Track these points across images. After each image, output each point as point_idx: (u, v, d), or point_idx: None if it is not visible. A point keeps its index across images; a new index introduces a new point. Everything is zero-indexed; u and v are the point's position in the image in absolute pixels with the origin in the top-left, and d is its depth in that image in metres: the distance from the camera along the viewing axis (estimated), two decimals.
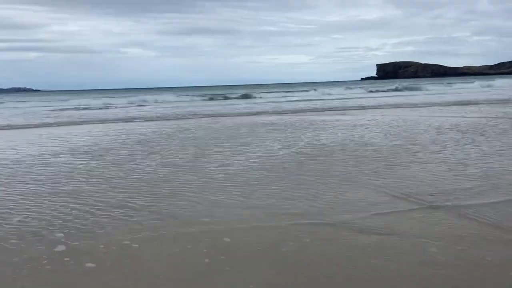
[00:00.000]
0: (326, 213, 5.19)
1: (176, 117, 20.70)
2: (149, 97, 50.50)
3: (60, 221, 4.99)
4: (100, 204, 5.64)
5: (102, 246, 4.24)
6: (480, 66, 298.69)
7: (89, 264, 3.80)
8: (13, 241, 4.43)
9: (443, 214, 5.05)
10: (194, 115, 21.42)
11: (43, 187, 6.75)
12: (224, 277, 3.56)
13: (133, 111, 27.22)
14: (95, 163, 8.70)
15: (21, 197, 6.15)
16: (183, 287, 3.42)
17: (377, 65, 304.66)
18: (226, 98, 43.57)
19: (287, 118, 18.25)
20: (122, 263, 3.86)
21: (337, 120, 16.59)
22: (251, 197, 5.98)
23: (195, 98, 44.44)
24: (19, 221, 5.05)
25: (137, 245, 4.25)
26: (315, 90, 55.49)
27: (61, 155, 9.96)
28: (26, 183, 7.04)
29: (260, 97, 44.36)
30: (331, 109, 24.02)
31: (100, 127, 16.96)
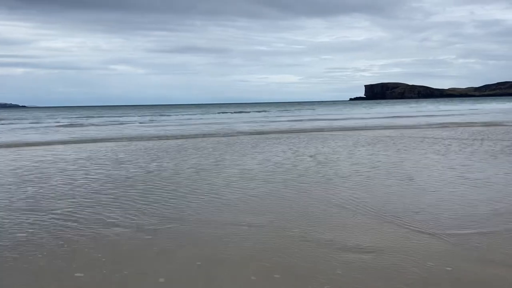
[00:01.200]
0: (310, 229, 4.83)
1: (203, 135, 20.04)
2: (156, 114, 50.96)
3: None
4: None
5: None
6: (466, 88, 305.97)
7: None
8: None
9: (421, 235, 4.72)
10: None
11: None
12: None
13: (154, 129, 25.97)
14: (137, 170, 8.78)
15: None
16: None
17: (365, 85, 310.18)
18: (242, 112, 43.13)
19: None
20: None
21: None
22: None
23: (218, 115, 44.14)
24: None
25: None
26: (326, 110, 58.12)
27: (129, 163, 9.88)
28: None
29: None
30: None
31: (126, 143, 16.33)
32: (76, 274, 3.84)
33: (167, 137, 18.82)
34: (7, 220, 5.55)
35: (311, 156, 11.05)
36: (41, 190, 7.39)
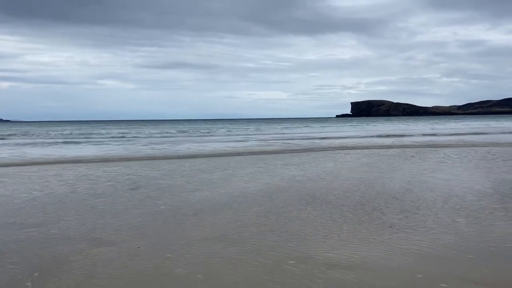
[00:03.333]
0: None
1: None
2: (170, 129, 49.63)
3: None
4: None
5: None
6: (449, 106, 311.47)
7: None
8: None
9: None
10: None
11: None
12: None
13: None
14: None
15: None
16: None
17: (351, 103, 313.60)
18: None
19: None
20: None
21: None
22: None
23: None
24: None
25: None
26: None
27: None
28: None
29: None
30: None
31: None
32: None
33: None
34: None
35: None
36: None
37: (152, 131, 45.88)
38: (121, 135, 37.48)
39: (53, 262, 4.28)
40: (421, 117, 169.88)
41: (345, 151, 17.05)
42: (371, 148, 18.57)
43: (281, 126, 59.73)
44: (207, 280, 3.82)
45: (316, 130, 46.02)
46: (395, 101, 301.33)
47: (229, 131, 45.47)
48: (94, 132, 44.67)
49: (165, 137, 34.47)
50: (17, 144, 25.72)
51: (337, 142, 23.50)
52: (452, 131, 35.54)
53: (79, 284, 3.74)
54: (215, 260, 4.33)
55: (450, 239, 4.95)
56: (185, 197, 7.59)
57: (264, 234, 5.23)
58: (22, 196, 7.83)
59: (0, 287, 3.74)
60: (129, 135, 36.87)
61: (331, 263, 4.20)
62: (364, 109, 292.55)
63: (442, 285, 3.66)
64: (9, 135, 39.24)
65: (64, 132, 44.40)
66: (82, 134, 40.03)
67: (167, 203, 7.09)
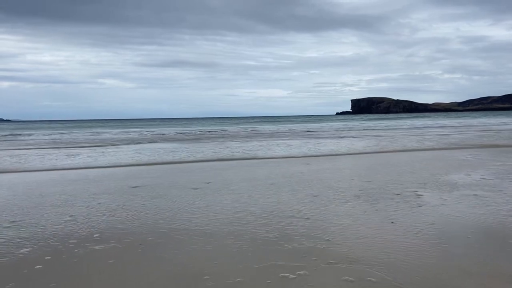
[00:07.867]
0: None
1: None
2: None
3: None
4: None
5: None
6: (449, 103, 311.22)
7: None
8: None
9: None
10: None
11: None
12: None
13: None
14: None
15: None
16: None
17: (351, 100, 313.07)
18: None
19: None
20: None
21: None
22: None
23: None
24: None
25: None
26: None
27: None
28: None
29: None
30: None
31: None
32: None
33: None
34: None
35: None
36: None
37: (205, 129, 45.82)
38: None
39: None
40: (420, 113, 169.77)
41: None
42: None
43: (311, 124, 58.31)
44: (223, 275, 3.94)
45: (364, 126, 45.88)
46: (396, 98, 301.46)
47: (273, 132, 39.94)
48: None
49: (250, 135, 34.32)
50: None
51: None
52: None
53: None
54: (231, 255, 4.44)
55: (449, 233, 5.03)
56: None
57: None
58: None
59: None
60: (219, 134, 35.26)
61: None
62: (364, 107, 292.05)
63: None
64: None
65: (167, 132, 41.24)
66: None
67: None
